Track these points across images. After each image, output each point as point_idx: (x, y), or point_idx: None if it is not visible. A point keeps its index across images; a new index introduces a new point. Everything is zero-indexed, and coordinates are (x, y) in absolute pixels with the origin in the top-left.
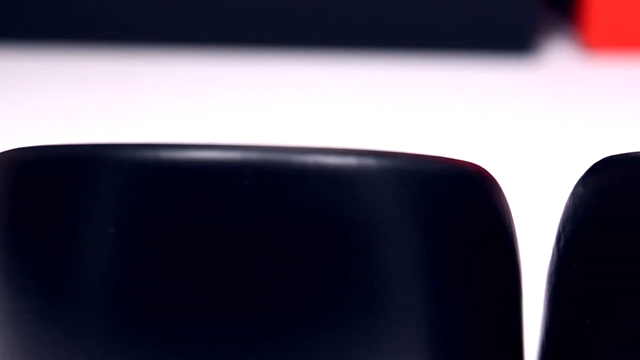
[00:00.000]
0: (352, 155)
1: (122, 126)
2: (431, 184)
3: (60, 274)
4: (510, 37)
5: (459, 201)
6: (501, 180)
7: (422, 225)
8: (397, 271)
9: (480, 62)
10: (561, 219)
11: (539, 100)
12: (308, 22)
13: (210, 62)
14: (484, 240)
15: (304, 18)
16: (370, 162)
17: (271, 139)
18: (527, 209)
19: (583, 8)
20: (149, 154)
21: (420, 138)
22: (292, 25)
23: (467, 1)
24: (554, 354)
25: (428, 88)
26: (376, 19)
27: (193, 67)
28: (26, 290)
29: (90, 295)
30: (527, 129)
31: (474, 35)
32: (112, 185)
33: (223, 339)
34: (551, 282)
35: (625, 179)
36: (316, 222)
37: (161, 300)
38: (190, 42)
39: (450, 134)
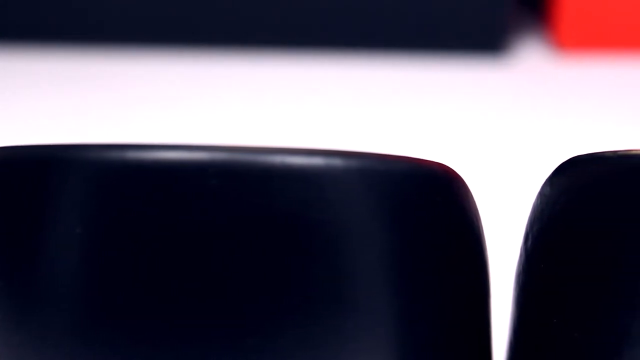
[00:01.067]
0: (318, 156)
1: (103, 127)
2: (398, 184)
3: (28, 274)
4: (482, 38)
5: (426, 201)
6: (471, 180)
7: (390, 225)
8: (365, 271)
9: (452, 62)
10: (529, 218)
11: (510, 100)
12: (279, 22)
13: (192, 62)
14: (451, 239)
15: (274, 18)
16: (337, 162)
17: (238, 139)
18: (497, 209)
19: (555, 8)
20: (116, 154)
21: (390, 138)
22: (265, 25)
23: (439, 1)
24: (522, 353)
25: (399, 88)
26: (345, 19)
27: (176, 67)
28: None
29: (57, 295)
30: (497, 129)
31: (446, 36)
32: (79, 186)
33: (190, 339)
34: (519, 282)
35: (591, 178)
36: (283, 222)
37: (128, 300)
38: (173, 42)
39: (421, 134)
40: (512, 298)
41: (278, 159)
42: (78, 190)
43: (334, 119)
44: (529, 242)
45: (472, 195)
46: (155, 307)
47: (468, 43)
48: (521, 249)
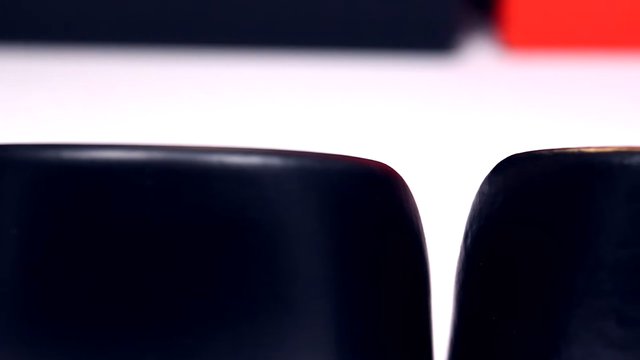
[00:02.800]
0: (256, 155)
1: (62, 126)
2: (336, 183)
3: None
4: (430, 37)
5: (364, 200)
6: (414, 179)
7: (328, 224)
8: (303, 270)
9: (401, 61)
10: (468, 217)
11: (457, 99)
12: (225, 22)
13: (132, 62)
14: (390, 238)
15: (222, 18)
16: (274, 161)
17: (175, 139)
18: (439, 207)
19: (503, 8)
20: (52, 154)
21: (334, 137)
22: (212, 25)
23: (388, 1)
24: (462, 351)
25: (346, 87)
26: (294, 16)
27: (117, 66)
28: None
29: None
30: (442, 128)
31: (395, 34)
32: (15, 186)
33: (126, 340)
34: (459, 280)
35: (529, 176)
36: (220, 222)
37: (64, 301)
38: (119, 41)
39: (365, 133)
40: (453, 296)
41: (215, 159)
42: (13, 191)
43: (279, 118)
44: (469, 241)
45: (411, 194)
46: (91, 307)
47: (417, 42)
48: (461, 248)
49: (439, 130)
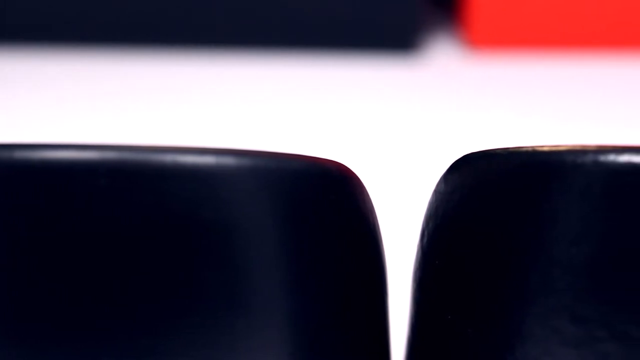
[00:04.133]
0: (210, 154)
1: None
2: (291, 183)
3: None
4: (393, 36)
5: (320, 199)
6: (374, 179)
7: (284, 224)
8: (258, 270)
9: (364, 61)
10: (425, 215)
11: (419, 98)
12: (180, 21)
13: (89, 62)
14: (346, 238)
15: (176, 16)
16: (229, 160)
17: (130, 139)
18: (399, 206)
19: (465, 7)
20: (3, 154)
21: (294, 137)
22: (165, 23)
23: (351, 0)
24: (419, 350)
25: (309, 86)
26: (256, 16)
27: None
28: None
29: None
30: (404, 127)
31: (357, 34)
32: None
33: (82, 340)
34: (416, 279)
35: (484, 175)
36: (174, 222)
37: (17, 301)
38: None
39: (326, 132)
40: (410, 295)
41: (169, 158)
42: None
43: (238, 119)
44: (425, 240)
45: (367, 194)
46: (46, 307)
47: (380, 42)
48: (418, 247)
49: (400, 129)
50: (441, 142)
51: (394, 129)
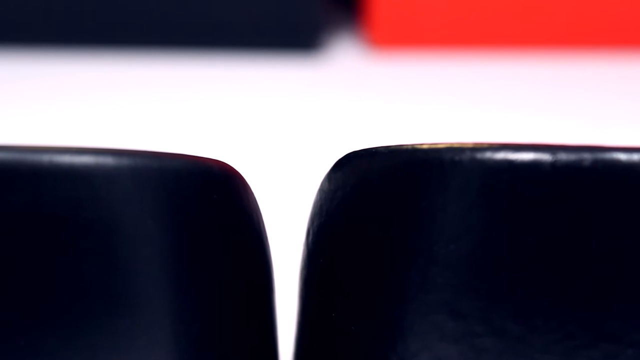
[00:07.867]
0: (88, 154)
1: None
2: (172, 182)
3: None
4: (295, 35)
5: (202, 198)
6: (262, 179)
7: (166, 223)
8: (140, 269)
9: (265, 60)
10: (310, 214)
11: (319, 97)
12: (86, 19)
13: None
14: (230, 237)
15: (80, 15)
16: (107, 160)
17: (18, 140)
18: (286, 205)
19: (367, 7)
20: None
21: (186, 137)
22: (68, 22)
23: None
24: (307, 348)
25: (204, 86)
26: (157, 15)
27: None
28: None
29: None
30: (300, 126)
31: (260, 33)
32: None
33: None
34: (302, 278)
35: (366, 173)
36: (51, 222)
37: None
38: None
39: (217, 132)
40: (298, 294)
41: (46, 158)
42: None
43: (126, 118)
44: (310, 238)
45: (252, 192)
46: None
47: (282, 41)
48: (304, 245)
49: (296, 128)
50: (336, 140)
51: (289, 128)
